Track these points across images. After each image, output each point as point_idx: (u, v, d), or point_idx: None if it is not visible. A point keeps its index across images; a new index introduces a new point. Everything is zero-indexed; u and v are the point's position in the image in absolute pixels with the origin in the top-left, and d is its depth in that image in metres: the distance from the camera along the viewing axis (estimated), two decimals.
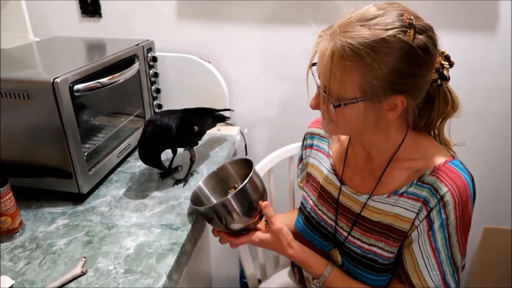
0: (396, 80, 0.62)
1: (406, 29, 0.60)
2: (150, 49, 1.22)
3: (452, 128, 1.34)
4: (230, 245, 0.83)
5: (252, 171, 0.79)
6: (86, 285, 0.69)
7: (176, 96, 1.41)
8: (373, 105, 0.65)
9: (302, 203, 0.94)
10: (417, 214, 0.70)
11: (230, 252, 1.43)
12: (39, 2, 1.37)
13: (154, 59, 1.24)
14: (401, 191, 0.72)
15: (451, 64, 0.69)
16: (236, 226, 0.79)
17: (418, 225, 0.70)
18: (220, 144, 1.25)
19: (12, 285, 0.69)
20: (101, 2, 1.36)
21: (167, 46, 1.37)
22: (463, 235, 0.69)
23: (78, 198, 0.93)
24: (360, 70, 0.61)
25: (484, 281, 1.56)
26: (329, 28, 0.65)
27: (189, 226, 0.85)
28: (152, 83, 1.25)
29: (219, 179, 0.92)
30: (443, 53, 0.68)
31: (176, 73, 1.38)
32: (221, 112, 1.20)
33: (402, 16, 0.61)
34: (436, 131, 0.77)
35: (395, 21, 0.61)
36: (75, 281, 0.70)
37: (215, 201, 0.89)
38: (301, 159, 0.99)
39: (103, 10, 1.37)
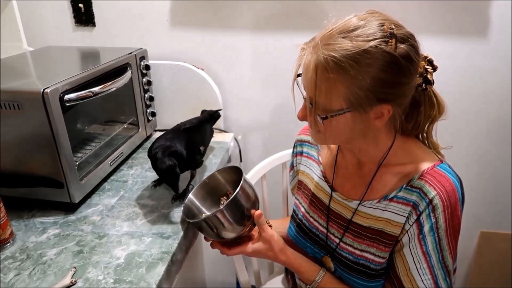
0: (381, 90, 0.63)
1: (388, 39, 0.61)
2: (143, 57, 1.22)
3: (450, 132, 1.35)
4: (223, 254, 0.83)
5: (242, 180, 0.78)
6: None
7: (170, 104, 1.41)
8: (359, 115, 0.66)
9: (294, 211, 0.94)
10: (407, 218, 0.70)
11: (225, 259, 1.42)
12: (33, 11, 1.38)
13: (147, 67, 1.24)
14: (391, 195, 0.73)
15: (434, 68, 0.70)
16: (229, 235, 0.79)
17: (408, 229, 0.70)
18: (214, 151, 1.25)
19: None
20: (95, 11, 1.37)
21: (160, 54, 1.38)
22: (453, 239, 0.69)
23: (70, 208, 0.93)
24: (345, 82, 0.62)
25: (482, 286, 1.56)
26: (311, 40, 0.66)
27: (181, 234, 0.85)
28: (146, 91, 1.26)
29: (210, 188, 0.91)
30: (426, 57, 0.69)
31: (169, 80, 1.38)
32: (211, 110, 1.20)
33: (383, 26, 0.62)
34: (425, 135, 0.78)
35: (377, 31, 0.62)
36: None
37: (206, 212, 0.89)
38: (292, 166, 0.99)
39: (96, 19, 1.38)
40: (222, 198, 0.89)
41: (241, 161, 1.51)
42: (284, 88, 1.40)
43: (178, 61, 1.37)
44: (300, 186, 0.93)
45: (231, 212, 0.76)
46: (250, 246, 0.81)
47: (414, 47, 0.64)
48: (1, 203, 0.80)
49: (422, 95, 0.72)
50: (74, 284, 0.71)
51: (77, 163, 0.94)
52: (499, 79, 1.25)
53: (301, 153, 0.94)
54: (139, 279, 0.73)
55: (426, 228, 0.68)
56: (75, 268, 0.75)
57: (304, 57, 0.66)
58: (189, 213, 0.86)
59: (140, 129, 1.24)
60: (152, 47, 1.32)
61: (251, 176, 1.15)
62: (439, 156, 0.75)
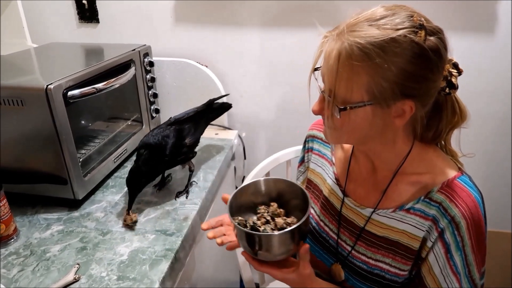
0: (406, 83, 0.59)
1: (417, 29, 0.58)
2: (146, 54, 1.22)
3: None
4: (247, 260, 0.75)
5: (309, 207, 0.69)
6: None
7: (173, 101, 1.41)
8: (381, 110, 0.62)
9: None
10: (428, 233, 0.67)
11: (229, 257, 1.42)
12: (37, 8, 1.38)
13: (151, 64, 1.24)
14: (407, 206, 0.69)
15: (459, 72, 0.66)
16: (268, 257, 0.71)
17: (432, 247, 0.67)
18: (217, 149, 1.25)
19: None
20: (99, 8, 1.37)
21: (164, 50, 1.37)
22: (479, 254, 0.66)
23: (74, 204, 0.93)
24: (369, 71, 0.58)
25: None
26: (335, 28, 0.62)
27: (184, 231, 0.85)
28: (149, 87, 1.25)
29: (251, 193, 0.80)
30: (451, 60, 0.65)
31: (173, 77, 1.38)
32: (219, 101, 1.15)
33: (412, 17, 0.59)
34: (443, 142, 0.74)
35: (405, 21, 0.58)
36: None
37: (241, 218, 0.74)
38: (302, 162, 0.95)
39: (100, 16, 1.38)
40: (260, 207, 0.78)
41: (245, 158, 1.50)
42: (288, 85, 1.39)
43: (182, 58, 1.36)
44: (309, 185, 0.89)
45: (285, 239, 0.68)
46: (282, 274, 0.72)
47: (443, 42, 0.61)
48: (5, 199, 0.80)
49: (444, 101, 0.68)
50: (78, 280, 0.71)
51: (80, 160, 0.94)
52: (505, 77, 1.23)
53: (311, 149, 0.90)
54: (142, 276, 0.72)
55: (453, 247, 0.65)
56: (78, 264, 0.75)
57: (327, 44, 0.62)
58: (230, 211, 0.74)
59: (144, 126, 1.24)
60: (156, 43, 1.32)
61: (256, 173, 1.14)
62: (459, 165, 0.71)
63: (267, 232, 0.70)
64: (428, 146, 0.72)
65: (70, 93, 0.86)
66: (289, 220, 0.73)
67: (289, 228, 0.67)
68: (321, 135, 0.88)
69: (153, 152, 0.92)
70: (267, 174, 1.18)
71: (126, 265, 0.75)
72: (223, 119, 1.35)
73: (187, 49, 1.38)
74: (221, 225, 0.83)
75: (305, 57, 1.33)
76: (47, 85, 0.80)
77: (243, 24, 1.32)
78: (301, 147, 1.21)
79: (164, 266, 0.75)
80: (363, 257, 0.74)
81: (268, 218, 0.74)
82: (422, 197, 0.68)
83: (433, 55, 0.59)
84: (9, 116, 0.84)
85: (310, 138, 0.91)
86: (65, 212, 0.92)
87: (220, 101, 1.16)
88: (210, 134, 1.33)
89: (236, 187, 1.50)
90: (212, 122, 1.15)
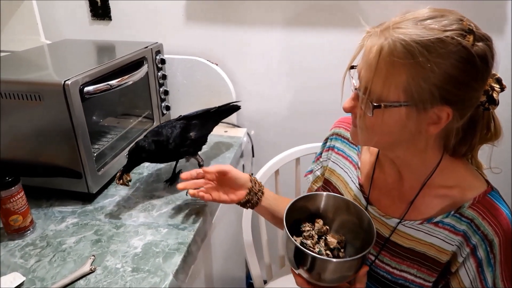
0: (447, 87, 0.56)
1: (466, 33, 0.55)
2: (158, 52, 1.24)
3: None
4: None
5: (374, 234, 0.66)
6: (95, 283, 0.71)
7: (184, 98, 1.42)
8: (416, 113, 0.59)
9: None
10: (459, 248, 0.67)
11: (236, 253, 1.44)
12: (50, 5, 1.40)
13: (163, 61, 1.26)
14: (435, 220, 0.68)
15: (502, 88, 0.63)
16: (321, 284, 0.67)
17: (464, 262, 0.66)
18: (226, 146, 1.26)
19: (23, 281, 0.70)
20: (111, 5, 1.38)
21: (175, 48, 1.39)
22: (507, 268, 0.65)
23: (87, 198, 0.95)
24: (409, 70, 0.56)
25: None
26: (379, 25, 0.60)
27: (196, 226, 0.86)
28: (161, 85, 1.27)
29: (303, 206, 0.75)
30: (494, 75, 0.63)
31: (183, 75, 1.39)
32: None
33: (462, 21, 0.57)
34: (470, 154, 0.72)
35: (454, 24, 0.56)
36: (84, 278, 0.72)
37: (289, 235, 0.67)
38: (319, 157, 0.92)
39: (112, 13, 1.40)
40: (304, 225, 0.74)
41: (253, 156, 1.52)
42: (297, 85, 1.40)
43: (192, 56, 1.38)
44: (327, 186, 0.87)
45: (351, 265, 0.63)
46: None
47: (491, 50, 0.58)
48: (22, 192, 0.82)
49: (482, 116, 0.65)
50: (94, 271, 0.73)
51: (95, 155, 0.96)
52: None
53: (333, 148, 0.87)
54: (156, 268, 0.74)
55: (485, 263, 0.65)
56: (93, 256, 0.77)
57: (369, 40, 0.59)
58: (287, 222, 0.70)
59: (154, 123, 1.26)
60: (167, 41, 1.34)
61: (265, 171, 1.16)
62: (486, 179, 0.70)
63: (333, 258, 0.66)
64: (457, 159, 0.70)
65: (86, 89, 0.88)
66: (337, 237, 0.71)
67: (359, 255, 0.62)
68: (348, 134, 0.84)
69: (159, 138, 0.95)
70: (277, 172, 1.19)
71: (140, 257, 0.77)
72: (232, 117, 1.36)
73: (197, 47, 1.39)
74: (203, 177, 0.85)
75: (315, 57, 1.34)
76: (65, 81, 0.82)
77: (254, 23, 1.33)
78: (309, 145, 1.23)
79: (177, 259, 0.76)
80: (388, 267, 0.73)
81: (316, 237, 0.72)
82: (453, 212, 0.67)
83: (480, 62, 0.56)
84: (27, 110, 0.86)
85: (334, 136, 0.88)
86: (79, 205, 0.94)
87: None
88: (220, 132, 1.35)
89: None
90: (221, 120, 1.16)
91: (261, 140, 1.51)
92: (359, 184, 0.79)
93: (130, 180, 0.90)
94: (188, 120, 1.04)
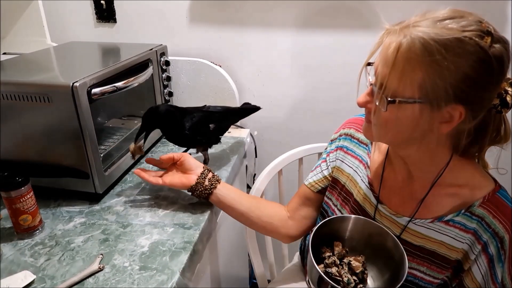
0: (462, 86, 0.57)
1: (484, 35, 0.57)
2: (163, 54, 1.25)
3: None
4: None
5: (405, 261, 0.66)
6: (104, 281, 0.72)
7: (188, 99, 1.44)
8: (429, 111, 0.60)
9: (325, 210, 0.89)
10: (470, 247, 0.68)
11: (240, 253, 1.45)
12: (56, 8, 1.42)
13: (167, 63, 1.27)
14: (446, 218, 0.70)
15: None
16: None
17: (476, 259, 0.68)
18: (230, 146, 1.28)
19: (34, 280, 0.72)
20: (116, 8, 1.40)
21: (179, 50, 1.41)
22: None
23: (94, 198, 0.97)
24: (426, 67, 0.57)
25: None
26: (399, 23, 0.62)
27: (201, 225, 0.88)
28: (165, 86, 1.29)
29: (332, 229, 0.75)
30: (508, 79, 0.63)
31: (187, 76, 1.41)
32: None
33: (481, 22, 0.58)
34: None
35: (473, 25, 0.57)
36: (93, 276, 0.73)
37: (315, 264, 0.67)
38: (327, 154, 0.92)
39: (117, 16, 1.41)
40: (323, 250, 0.73)
41: (256, 156, 1.53)
42: (300, 86, 1.41)
43: (196, 58, 1.39)
44: (335, 185, 0.87)
45: None
46: None
47: (508, 52, 0.59)
48: (32, 192, 0.83)
49: (493, 118, 0.67)
50: (102, 269, 0.75)
51: (101, 155, 0.97)
52: None
53: (343, 148, 0.87)
54: (163, 267, 0.75)
55: (496, 259, 0.67)
56: (102, 255, 0.78)
57: (388, 37, 0.61)
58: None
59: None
60: (171, 43, 1.36)
61: (268, 171, 1.17)
62: (494, 178, 0.72)
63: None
64: (466, 159, 0.71)
65: (93, 90, 0.89)
66: (360, 259, 0.71)
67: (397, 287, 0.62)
68: (358, 135, 0.86)
69: (180, 114, 1.00)
70: (280, 172, 1.21)
71: (147, 256, 0.78)
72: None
73: (201, 49, 1.41)
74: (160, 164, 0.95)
75: (318, 59, 1.35)
76: (73, 83, 0.84)
77: (256, 25, 1.35)
78: (312, 145, 1.24)
79: (184, 257, 0.78)
80: None
81: (338, 262, 0.71)
82: (463, 210, 0.68)
83: (496, 64, 0.57)
84: (35, 112, 0.87)
85: (343, 137, 0.89)
86: (86, 205, 0.96)
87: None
88: None
89: (247, 185, 1.53)
90: None
91: (264, 140, 1.53)
92: (369, 183, 0.80)
93: (140, 148, 0.97)
94: (209, 111, 1.06)
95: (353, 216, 0.76)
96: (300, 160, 1.24)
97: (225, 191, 0.91)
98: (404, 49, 0.58)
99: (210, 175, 0.92)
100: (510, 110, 0.64)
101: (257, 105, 1.16)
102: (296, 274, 1.16)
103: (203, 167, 0.93)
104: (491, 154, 0.72)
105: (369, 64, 0.66)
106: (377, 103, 0.63)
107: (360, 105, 0.68)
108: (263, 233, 0.97)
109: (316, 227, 0.72)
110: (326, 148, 0.94)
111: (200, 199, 0.93)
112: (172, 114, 0.98)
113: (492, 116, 0.66)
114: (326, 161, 0.92)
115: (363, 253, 0.74)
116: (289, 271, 1.19)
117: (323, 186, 0.91)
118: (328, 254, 0.72)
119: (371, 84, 0.65)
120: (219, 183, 0.92)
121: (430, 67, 0.57)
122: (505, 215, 0.66)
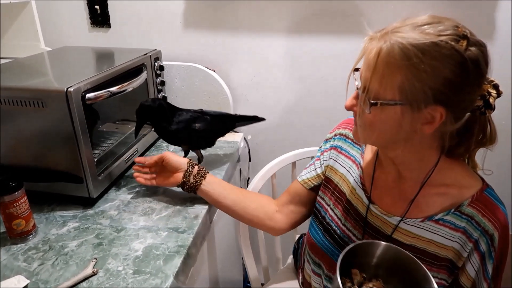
0: (440, 88, 0.60)
1: (460, 38, 0.59)
2: (157, 58, 1.26)
3: None
4: None
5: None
6: (97, 285, 0.72)
7: (181, 104, 1.43)
8: (411, 113, 0.63)
9: (318, 210, 0.90)
10: (460, 244, 0.70)
11: (234, 256, 1.46)
12: (50, 12, 1.42)
13: (161, 68, 1.28)
14: (436, 217, 0.71)
15: (498, 94, 0.66)
16: None
17: (469, 256, 0.70)
18: (224, 150, 1.29)
19: (27, 284, 0.72)
20: (110, 13, 1.41)
21: (173, 55, 1.42)
22: (504, 261, 0.70)
23: (88, 202, 0.97)
24: (405, 71, 0.60)
25: None
26: (381, 30, 0.65)
27: (195, 229, 0.89)
28: (159, 91, 1.30)
29: (358, 253, 0.71)
30: (492, 81, 0.67)
31: (181, 81, 1.42)
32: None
33: (457, 27, 0.61)
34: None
35: (449, 29, 0.60)
36: (86, 281, 0.73)
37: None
38: (321, 153, 0.94)
39: (112, 21, 1.42)
40: (345, 283, 0.70)
41: (250, 160, 1.54)
42: (293, 91, 1.43)
43: (190, 62, 1.40)
44: (328, 184, 0.89)
45: None
46: None
47: (484, 56, 0.62)
48: (25, 197, 0.84)
49: (478, 120, 0.69)
50: (96, 274, 0.75)
51: (95, 160, 0.98)
52: (506, 85, 1.27)
53: (336, 148, 0.89)
54: (157, 270, 0.76)
55: (487, 255, 0.69)
56: (95, 259, 0.78)
57: (369, 43, 0.64)
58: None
59: (153, 128, 1.27)
60: (166, 48, 1.36)
61: (262, 175, 1.18)
62: (482, 177, 0.74)
63: None
64: (454, 159, 0.74)
65: (87, 95, 0.90)
66: (379, 284, 0.71)
67: None
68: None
69: (170, 110, 1.05)
70: (273, 175, 1.22)
71: (141, 260, 0.79)
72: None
73: (195, 53, 1.42)
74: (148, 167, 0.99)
75: (313, 64, 1.37)
76: (67, 88, 0.84)
77: (251, 30, 1.36)
78: (305, 149, 1.25)
79: (177, 261, 0.79)
80: None
81: None
82: (453, 210, 0.70)
83: (472, 66, 0.60)
84: (29, 117, 0.88)
85: (338, 136, 0.91)
86: (80, 210, 0.96)
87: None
88: None
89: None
90: None
91: (258, 144, 1.54)
92: (361, 183, 0.82)
93: None
94: (203, 113, 1.10)
95: (383, 243, 0.72)
96: (293, 164, 1.25)
97: (210, 186, 0.95)
98: (384, 54, 0.61)
99: (195, 170, 0.96)
100: (502, 115, 0.66)
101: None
102: (290, 276, 1.17)
103: (187, 163, 0.96)
104: (491, 154, 0.74)
105: (356, 69, 0.69)
106: (361, 106, 0.66)
107: (347, 108, 0.71)
108: (252, 226, 1.00)
109: (345, 250, 0.68)
110: (320, 147, 0.96)
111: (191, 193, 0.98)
112: (163, 109, 1.04)
113: (477, 117, 0.69)
114: (320, 159, 0.94)
115: (389, 282, 0.72)
116: (282, 273, 1.20)
117: (315, 183, 0.93)
118: (348, 285, 0.71)
119: (357, 88, 0.68)
120: (205, 178, 0.95)
121: (408, 70, 0.60)
122: (493, 213, 0.69)
